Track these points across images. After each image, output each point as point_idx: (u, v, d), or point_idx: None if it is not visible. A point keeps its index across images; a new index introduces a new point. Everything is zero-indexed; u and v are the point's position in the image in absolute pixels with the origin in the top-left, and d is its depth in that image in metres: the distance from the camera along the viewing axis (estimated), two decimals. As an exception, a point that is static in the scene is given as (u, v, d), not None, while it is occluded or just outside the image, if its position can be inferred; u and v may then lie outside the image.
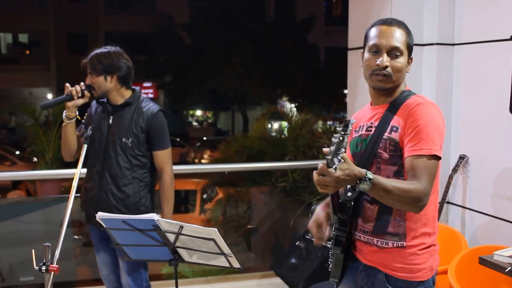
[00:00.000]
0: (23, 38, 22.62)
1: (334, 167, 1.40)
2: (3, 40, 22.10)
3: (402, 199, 1.52)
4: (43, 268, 1.85)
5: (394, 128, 1.63)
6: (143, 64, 19.14)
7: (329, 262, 1.79)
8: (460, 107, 3.10)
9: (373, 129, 1.69)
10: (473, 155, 3.01)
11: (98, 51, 2.37)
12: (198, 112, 24.40)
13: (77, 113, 2.37)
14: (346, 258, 1.76)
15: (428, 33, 3.12)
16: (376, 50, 1.66)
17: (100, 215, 1.96)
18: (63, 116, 2.35)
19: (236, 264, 1.98)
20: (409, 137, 1.59)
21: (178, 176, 2.79)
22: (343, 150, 1.41)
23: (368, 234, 1.69)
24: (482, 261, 2.18)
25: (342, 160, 1.42)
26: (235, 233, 5.40)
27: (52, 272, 1.84)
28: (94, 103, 2.48)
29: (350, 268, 1.77)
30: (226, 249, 1.92)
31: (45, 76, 20.91)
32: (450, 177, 3.05)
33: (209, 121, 24.52)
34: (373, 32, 1.69)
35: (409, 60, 1.70)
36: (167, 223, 1.92)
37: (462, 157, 3.03)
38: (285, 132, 6.12)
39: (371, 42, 1.67)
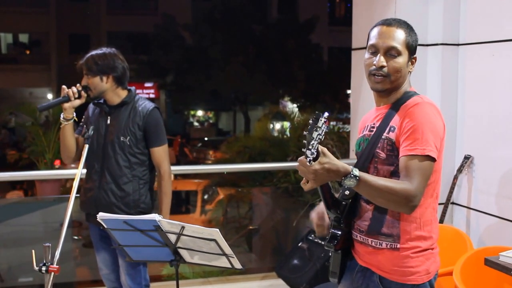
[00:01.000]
0: (24, 38, 22.66)
1: (308, 160, 1.42)
2: (3, 40, 22.14)
3: (391, 198, 1.53)
4: (43, 268, 1.84)
5: (392, 128, 1.64)
6: (144, 64, 19.18)
7: (329, 261, 1.80)
8: (465, 108, 3.09)
9: (374, 130, 1.70)
10: (478, 156, 3.00)
11: (93, 52, 2.41)
12: (200, 113, 24.41)
13: (74, 114, 2.40)
14: (345, 258, 1.77)
15: (433, 33, 3.12)
16: (374, 51, 1.67)
17: (101, 215, 1.96)
18: (61, 118, 2.39)
19: (238, 265, 1.98)
20: (404, 136, 1.59)
21: (179, 176, 2.80)
22: (315, 143, 1.42)
23: (364, 233, 1.69)
24: (488, 262, 2.17)
25: (322, 153, 1.45)
26: (236, 234, 5.41)
27: (52, 273, 1.83)
28: (91, 105, 2.52)
29: (349, 268, 1.77)
30: (227, 249, 1.92)
31: (46, 76, 20.95)
32: (455, 178, 3.04)
33: (211, 121, 24.53)
34: (373, 32, 1.70)
35: (413, 60, 1.69)
36: (169, 224, 1.92)
37: (467, 157, 3.02)
38: (287, 132, 6.13)
39: (369, 42, 1.70)
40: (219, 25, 18.71)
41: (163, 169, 2.47)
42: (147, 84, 21.13)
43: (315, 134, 1.42)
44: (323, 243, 1.76)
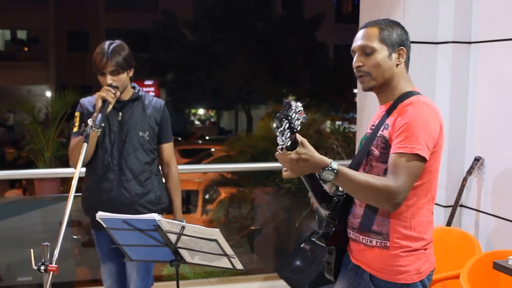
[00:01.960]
0: (22, 34, 22.72)
1: (279, 147, 1.46)
2: (1, 37, 22.21)
3: (372, 194, 1.56)
4: (42, 268, 1.84)
5: (386, 126, 1.68)
6: (144, 61, 19.18)
7: (323, 259, 1.85)
8: (476, 108, 3.08)
9: (374, 128, 1.74)
10: (488, 157, 2.99)
11: (111, 47, 2.32)
12: (201, 111, 24.43)
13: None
14: (341, 255, 1.81)
15: (443, 30, 3.10)
16: (354, 54, 1.74)
17: (101, 214, 1.96)
18: (91, 124, 2.20)
19: (239, 266, 1.98)
20: (396, 134, 1.62)
21: (180, 175, 2.81)
22: (287, 131, 1.44)
23: (356, 231, 1.73)
24: (497, 266, 2.17)
25: (300, 144, 1.49)
26: (238, 234, 5.43)
27: (51, 272, 1.84)
28: (86, 101, 2.42)
29: (344, 266, 1.82)
30: (228, 250, 1.93)
31: (44, 73, 21.00)
32: (464, 180, 3.03)
33: (212, 120, 24.55)
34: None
35: (400, 52, 1.72)
36: (169, 223, 1.93)
37: (477, 159, 3.01)
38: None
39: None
40: (221, 22, 18.71)
41: (174, 164, 2.51)
42: (147, 82, 21.14)
43: (284, 122, 1.45)
44: (317, 240, 1.80)
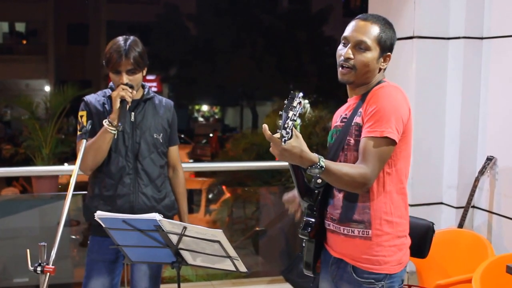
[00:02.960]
0: (20, 27, 22.79)
1: (283, 139, 1.53)
2: (-1, 29, 22.32)
3: (349, 183, 1.66)
4: (38, 269, 1.84)
5: (359, 113, 1.75)
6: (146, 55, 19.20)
7: (300, 253, 1.90)
8: (489, 105, 3.07)
9: (346, 120, 1.81)
10: (501, 157, 2.98)
11: (128, 44, 2.23)
12: (205, 107, 24.46)
13: None
14: (319, 249, 1.86)
15: (455, 25, 3.09)
16: (345, 42, 1.79)
17: (100, 214, 1.96)
18: (107, 125, 2.17)
19: (243, 268, 1.98)
20: (367, 118, 1.70)
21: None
22: (291, 123, 1.51)
23: (336, 222, 1.79)
24: (510, 270, 2.16)
25: (295, 136, 1.55)
26: (242, 235, 5.43)
27: (48, 273, 1.84)
28: (93, 99, 2.32)
29: (324, 262, 1.88)
30: (232, 252, 1.92)
31: (43, 67, 21.06)
32: (476, 180, 3.02)
33: (216, 116, 24.58)
34: (349, 25, 1.82)
35: (386, 57, 1.78)
36: (170, 224, 1.92)
37: (489, 159, 3.00)
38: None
39: (343, 34, 1.81)
40: (225, 15, 18.70)
41: (181, 167, 2.48)
42: (149, 77, 21.16)
43: (290, 114, 1.52)
44: (301, 235, 1.85)
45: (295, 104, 1.52)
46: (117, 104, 2.17)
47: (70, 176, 2.14)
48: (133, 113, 2.30)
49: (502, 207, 2.96)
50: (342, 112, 1.87)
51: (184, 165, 2.59)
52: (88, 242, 2.43)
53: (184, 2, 19.68)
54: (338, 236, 1.79)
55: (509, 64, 2.94)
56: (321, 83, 18.99)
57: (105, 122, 2.17)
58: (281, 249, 4.75)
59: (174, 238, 1.95)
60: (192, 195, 7.78)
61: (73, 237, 4.16)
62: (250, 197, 5.78)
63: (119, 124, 2.15)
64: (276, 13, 20.10)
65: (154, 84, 21.37)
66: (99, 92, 2.38)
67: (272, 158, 1.71)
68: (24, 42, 22.49)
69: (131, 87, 2.21)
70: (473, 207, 3.12)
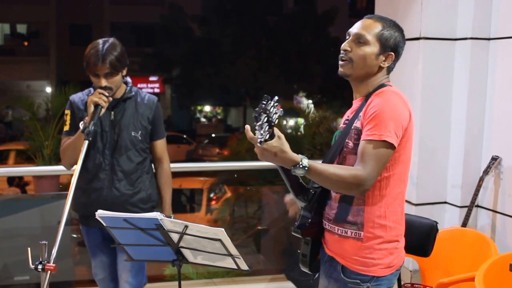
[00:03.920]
0: (22, 28, 22.87)
1: (258, 140, 1.56)
2: (0, 31, 22.38)
3: (340, 185, 1.67)
4: (40, 267, 1.86)
5: (359, 117, 1.76)
6: (149, 57, 19.24)
7: (298, 250, 1.92)
8: (495, 106, 3.07)
9: (347, 122, 1.83)
10: (506, 157, 2.98)
11: (105, 48, 2.32)
12: (207, 108, 24.46)
13: None
14: (316, 247, 1.89)
15: (462, 26, 3.10)
16: (348, 37, 1.84)
17: (100, 213, 1.98)
18: (82, 128, 2.25)
19: (244, 266, 1.99)
20: (366, 122, 1.71)
21: (185, 174, 2.84)
22: (266, 125, 1.54)
23: (331, 222, 1.82)
24: (513, 269, 2.16)
25: (277, 137, 1.59)
26: (244, 234, 5.42)
27: (49, 272, 1.86)
28: (77, 98, 2.45)
29: (321, 258, 1.91)
30: (233, 250, 1.93)
31: (45, 68, 21.12)
32: (481, 179, 3.03)
33: (219, 117, 24.58)
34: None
35: (388, 56, 1.78)
36: (171, 222, 1.93)
37: (494, 158, 3.01)
38: (302, 129, 6.14)
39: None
40: (230, 16, 18.70)
41: (166, 160, 2.56)
42: (152, 78, 21.21)
43: (262, 116, 1.54)
44: (294, 232, 1.88)
45: (269, 107, 1.54)
46: (90, 109, 2.27)
47: (71, 175, 2.18)
48: (112, 112, 2.40)
49: (506, 207, 2.96)
50: (348, 113, 1.89)
51: (187, 164, 2.62)
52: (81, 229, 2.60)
53: (189, 3, 19.68)
54: (332, 236, 1.82)
55: (514, 64, 2.94)
56: (326, 84, 18.96)
57: (81, 124, 2.27)
58: (283, 248, 4.76)
59: (175, 237, 1.97)
60: (194, 194, 7.79)
61: (74, 235, 4.17)
62: (252, 196, 5.79)
63: (90, 128, 2.20)
64: (281, 14, 20.10)
65: (157, 85, 21.40)
66: (85, 91, 2.49)
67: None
68: (26, 43, 22.55)
69: (110, 89, 2.32)
70: (477, 206, 3.13)
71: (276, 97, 1.58)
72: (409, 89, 3.09)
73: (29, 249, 1.86)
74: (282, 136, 1.62)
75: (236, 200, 6.14)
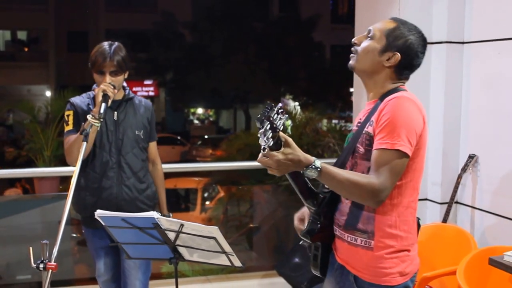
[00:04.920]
0: (22, 35, 22.68)
1: (262, 147, 1.46)
2: (1, 37, 22.17)
3: (354, 191, 1.54)
4: (41, 266, 1.83)
5: (371, 122, 1.63)
6: (144, 62, 19.16)
7: (309, 254, 1.81)
8: (470, 107, 3.08)
9: (359, 125, 1.70)
10: (482, 155, 2.99)
11: (113, 47, 2.33)
12: (200, 110, 24.43)
13: None
14: (327, 252, 1.76)
15: (437, 31, 3.10)
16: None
17: (99, 213, 1.95)
18: (91, 119, 2.20)
19: (238, 263, 1.98)
20: (378, 130, 1.58)
21: (179, 174, 2.83)
22: (269, 132, 1.43)
23: (341, 228, 1.69)
24: (492, 262, 2.16)
25: (286, 144, 1.47)
26: (237, 232, 5.42)
27: (50, 270, 1.82)
28: (78, 100, 2.42)
29: (331, 263, 1.78)
30: (227, 247, 1.92)
31: (44, 73, 20.97)
32: (459, 177, 3.03)
33: (211, 119, 24.56)
34: None
35: (391, 55, 1.65)
36: (168, 221, 1.91)
37: (471, 157, 3.01)
38: (289, 130, 6.13)
39: None
40: (219, 23, 18.71)
41: (160, 162, 2.59)
42: (147, 82, 21.11)
43: (265, 123, 1.44)
44: (302, 236, 1.76)
45: (272, 114, 1.45)
46: (99, 97, 2.24)
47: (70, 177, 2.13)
48: (115, 112, 2.40)
49: (484, 203, 2.97)
50: (361, 115, 1.75)
51: (181, 165, 2.61)
52: (83, 232, 2.52)
53: (180, 10, 19.66)
54: (342, 243, 1.70)
55: (488, 67, 2.96)
56: (311, 87, 19.07)
57: (89, 116, 2.23)
58: (274, 245, 4.76)
59: (171, 235, 1.94)
60: (189, 194, 7.76)
61: (74, 235, 4.13)
62: (244, 195, 5.77)
63: (101, 111, 2.17)
64: (268, 20, 20.16)
65: (151, 88, 21.31)
66: (84, 95, 2.48)
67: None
68: (26, 49, 22.37)
69: (113, 86, 2.31)
70: (457, 202, 3.13)
71: (280, 104, 1.49)
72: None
73: (30, 248, 1.83)
74: (290, 139, 1.50)
75: (229, 199, 6.12)
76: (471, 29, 3.04)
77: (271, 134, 1.44)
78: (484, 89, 2.98)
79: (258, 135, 1.48)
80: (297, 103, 18.77)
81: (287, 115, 1.49)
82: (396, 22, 1.70)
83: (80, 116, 2.37)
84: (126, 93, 2.46)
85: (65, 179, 5.98)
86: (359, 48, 1.69)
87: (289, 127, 1.52)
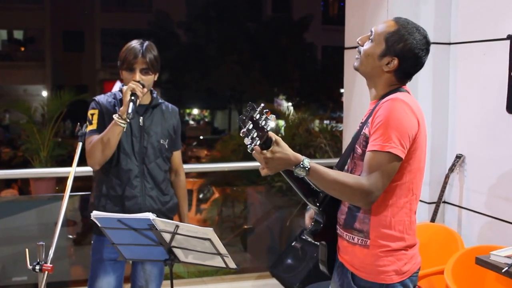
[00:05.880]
0: (18, 34, 22.51)
1: (248, 146, 1.48)
2: (-3, 37, 22.00)
3: (344, 191, 1.55)
4: (37, 267, 1.83)
5: (367, 124, 1.63)
6: (139, 61, 19.03)
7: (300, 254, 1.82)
8: (457, 107, 3.10)
9: (360, 126, 1.71)
10: (469, 155, 3.01)
11: (145, 44, 2.20)
12: (195, 111, 24.37)
13: None
14: (333, 249, 1.77)
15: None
16: None
17: (95, 214, 1.94)
18: (117, 119, 2.09)
19: (232, 265, 1.97)
20: (372, 131, 1.58)
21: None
22: (255, 132, 1.47)
23: (341, 227, 1.70)
24: (479, 261, 2.18)
25: (275, 143, 1.51)
26: (231, 233, 5.41)
27: (46, 272, 1.82)
28: (104, 100, 2.24)
29: (335, 262, 1.78)
30: (222, 249, 1.91)
31: (40, 73, 20.83)
32: (447, 177, 3.05)
33: (206, 119, 24.50)
34: None
35: (390, 60, 1.63)
36: (163, 223, 1.91)
37: (458, 157, 3.03)
38: (282, 131, 6.12)
39: None
40: (214, 23, 18.68)
41: (183, 171, 2.43)
42: (142, 82, 20.98)
43: (247, 124, 1.47)
44: (306, 235, 1.77)
45: (255, 114, 1.46)
46: (127, 97, 2.09)
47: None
48: (141, 117, 2.23)
49: (471, 202, 2.99)
50: (363, 116, 1.75)
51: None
52: (92, 241, 2.34)
53: (175, 10, 19.60)
54: (342, 241, 1.71)
55: (474, 68, 2.98)
56: (303, 87, 19.08)
57: (115, 116, 2.10)
58: (268, 246, 4.75)
59: (167, 237, 1.94)
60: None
61: (70, 236, 4.10)
62: (238, 197, 5.76)
63: (129, 111, 2.04)
64: (261, 21, 20.15)
65: (146, 88, 21.18)
66: (108, 94, 2.28)
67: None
68: (22, 49, 22.20)
69: (142, 85, 2.15)
70: (444, 202, 3.15)
71: (263, 104, 1.50)
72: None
73: (27, 250, 1.83)
74: (279, 139, 1.52)
75: (224, 201, 6.11)
76: (457, 30, 3.07)
77: (255, 133, 1.47)
78: (470, 90, 3.01)
79: (241, 134, 1.51)
80: (290, 104, 18.78)
81: (274, 115, 1.51)
82: (397, 24, 1.65)
83: (105, 116, 2.20)
84: (154, 97, 2.28)
85: (62, 180, 5.95)
86: (361, 50, 1.68)
87: (282, 128, 1.53)
